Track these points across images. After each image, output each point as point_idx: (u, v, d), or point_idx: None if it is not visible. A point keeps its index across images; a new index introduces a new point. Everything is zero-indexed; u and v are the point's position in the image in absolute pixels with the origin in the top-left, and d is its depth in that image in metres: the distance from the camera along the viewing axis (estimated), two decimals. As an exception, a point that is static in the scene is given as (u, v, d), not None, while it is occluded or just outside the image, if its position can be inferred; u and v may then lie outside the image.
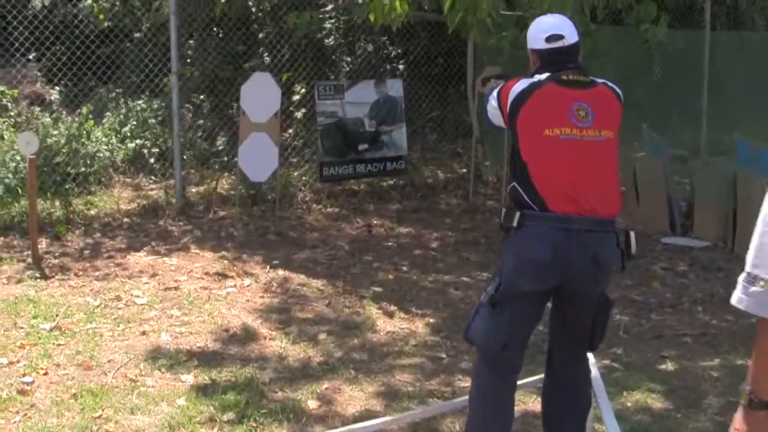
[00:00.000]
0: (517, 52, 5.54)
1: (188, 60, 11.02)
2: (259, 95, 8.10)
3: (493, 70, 8.84)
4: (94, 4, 10.14)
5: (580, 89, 3.86)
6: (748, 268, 2.14)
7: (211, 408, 4.78)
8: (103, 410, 4.71)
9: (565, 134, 3.75)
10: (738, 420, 2.16)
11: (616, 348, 5.80)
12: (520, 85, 3.87)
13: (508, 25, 6.60)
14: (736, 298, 2.16)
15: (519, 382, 4.17)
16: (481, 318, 3.89)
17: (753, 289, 2.12)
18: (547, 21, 4.09)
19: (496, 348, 3.89)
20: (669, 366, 5.57)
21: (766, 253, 2.11)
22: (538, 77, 3.90)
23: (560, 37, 3.94)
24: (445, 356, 5.69)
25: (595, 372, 4.29)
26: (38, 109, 9.99)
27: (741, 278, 2.15)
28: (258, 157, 8.16)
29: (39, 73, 10.90)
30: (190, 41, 10.98)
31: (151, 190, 9.35)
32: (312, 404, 4.91)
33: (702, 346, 5.94)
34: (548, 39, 3.95)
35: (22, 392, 4.89)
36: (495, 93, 4.02)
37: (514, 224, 3.75)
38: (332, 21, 11.29)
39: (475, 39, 6.04)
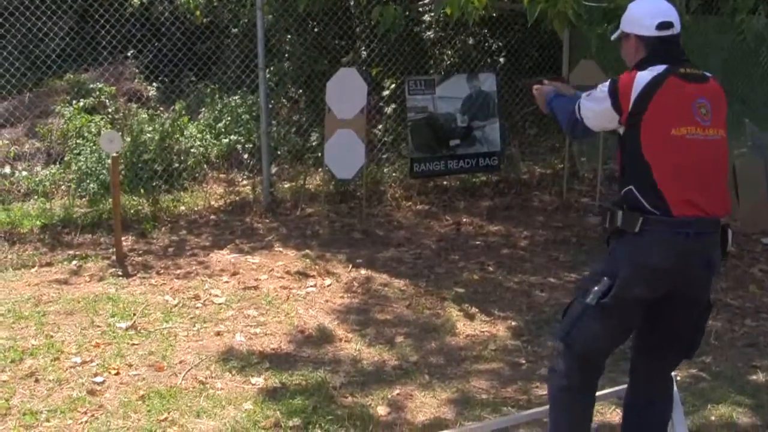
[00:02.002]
0: (606, 46, 5.27)
1: (285, 55, 11.00)
2: (345, 91, 7.98)
3: (588, 64, 8.58)
4: (190, 1, 10.20)
5: (698, 84, 3.61)
6: None
7: (278, 413, 4.70)
8: (169, 413, 4.68)
9: (691, 134, 3.53)
10: None
11: (705, 356, 5.50)
12: (642, 79, 3.56)
13: (592, 17, 6.31)
14: None
15: (599, 393, 3.98)
16: (588, 321, 3.66)
17: None
18: (656, 5, 3.75)
19: (600, 353, 3.76)
20: (760, 377, 5.27)
21: None
22: (655, 70, 3.58)
23: (671, 24, 3.67)
24: (524, 362, 5.51)
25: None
26: (135, 105, 10.09)
27: None
28: (344, 154, 8.04)
29: (137, 70, 11.02)
30: (288, 36, 10.95)
31: (243, 186, 9.35)
32: (381, 411, 4.79)
33: (799, 356, 5.60)
34: (660, 26, 3.65)
35: (92, 392, 4.89)
36: (598, 93, 3.69)
37: (636, 230, 3.55)
38: (431, 14, 11.10)
39: (556, 31, 5.78)
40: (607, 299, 3.59)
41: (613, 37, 3.97)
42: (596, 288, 3.63)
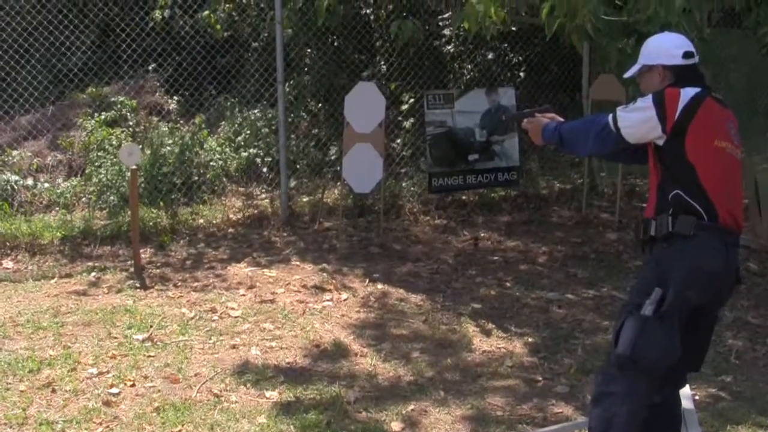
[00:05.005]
0: (626, 60, 5.25)
1: (305, 69, 11.03)
2: (364, 105, 7.99)
3: (608, 78, 8.55)
4: (211, 15, 10.26)
5: (726, 109, 3.88)
6: None
7: (292, 427, 4.70)
8: (183, 425, 4.69)
9: (729, 149, 3.78)
10: None
11: (726, 375, 5.45)
12: (687, 94, 3.78)
13: (612, 31, 6.29)
14: None
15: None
16: (651, 334, 3.67)
17: None
18: (677, 37, 4.08)
19: (670, 365, 3.73)
20: (781, 398, 5.20)
21: None
22: (693, 89, 3.81)
23: (693, 54, 3.94)
24: (540, 379, 5.47)
25: (688, 405, 4.03)
26: (156, 119, 10.14)
27: None
28: (362, 168, 8.05)
29: (158, 84, 11.08)
30: (307, 50, 10.99)
31: (262, 199, 9.36)
32: (396, 426, 4.78)
33: (821, 375, 5.54)
34: (685, 55, 3.92)
35: (107, 403, 4.91)
36: (639, 104, 3.84)
37: (691, 233, 3.67)
38: (451, 29, 11.11)
39: (574, 45, 5.77)
40: (665, 307, 3.65)
41: (628, 75, 4.16)
42: (649, 299, 3.67)
